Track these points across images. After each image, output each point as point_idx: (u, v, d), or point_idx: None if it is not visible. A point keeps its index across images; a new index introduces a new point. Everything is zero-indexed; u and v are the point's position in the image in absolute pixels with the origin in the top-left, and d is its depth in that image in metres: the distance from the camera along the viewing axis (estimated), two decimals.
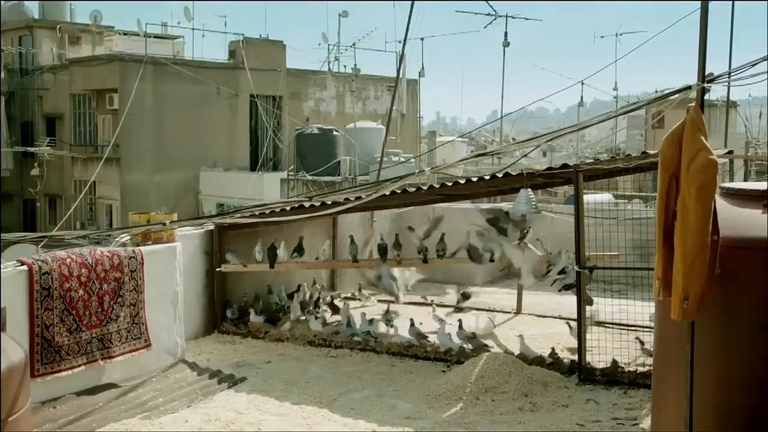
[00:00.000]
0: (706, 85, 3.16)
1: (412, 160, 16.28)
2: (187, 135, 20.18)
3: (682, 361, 2.84)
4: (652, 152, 5.32)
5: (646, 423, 4.37)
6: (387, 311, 6.57)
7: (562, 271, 6.33)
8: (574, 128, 4.96)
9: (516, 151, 4.73)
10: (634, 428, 4.44)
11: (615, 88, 24.69)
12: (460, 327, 6.05)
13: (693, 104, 2.83)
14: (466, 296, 7.24)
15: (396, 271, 6.78)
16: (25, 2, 23.99)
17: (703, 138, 2.75)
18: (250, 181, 18.80)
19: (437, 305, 7.12)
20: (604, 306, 6.20)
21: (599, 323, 6.38)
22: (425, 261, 6.68)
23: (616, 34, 21.31)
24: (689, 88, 3.38)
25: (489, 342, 6.10)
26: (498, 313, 7.28)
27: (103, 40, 22.77)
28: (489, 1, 27.45)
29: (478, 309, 7.38)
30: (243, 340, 6.40)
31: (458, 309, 7.01)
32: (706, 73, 3.17)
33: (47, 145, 21.53)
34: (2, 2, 21.73)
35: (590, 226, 5.91)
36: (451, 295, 7.58)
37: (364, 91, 24.19)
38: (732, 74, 3.37)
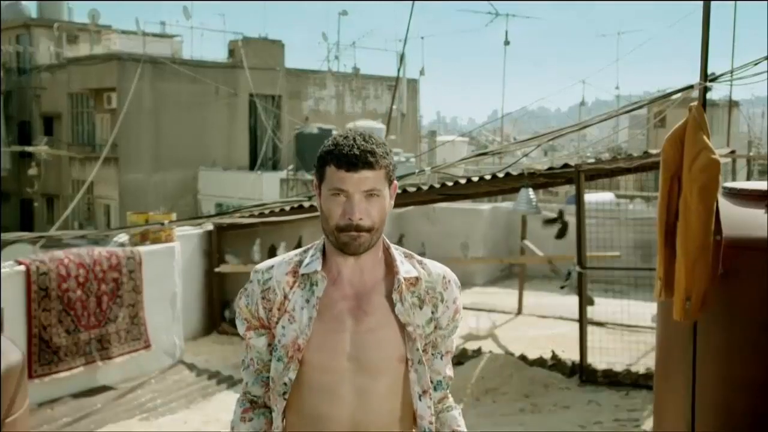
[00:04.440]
0: (708, 84, 3.13)
1: (412, 159, 16.25)
2: (185, 134, 20.14)
3: (684, 361, 2.82)
4: (653, 152, 5.30)
5: (648, 424, 4.35)
6: None
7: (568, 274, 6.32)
8: (576, 128, 4.92)
9: (517, 151, 4.70)
10: (635, 429, 4.42)
11: (617, 88, 24.73)
12: None
13: (695, 103, 2.81)
14: None
15: None
16: (23, 1, 23.94)
17: (705, 137, 2.72)
18: (249, 180, 18.75)
19: None
20: (605, 306, 6.18)
21: (600, 324, 6.36)
22: None
23: (618, 33, 21.32)
24: (691, 87, 3.35)
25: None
26: (499, 313, 7.26)
27: (101, 39, 22.71)
28: (490, 0, 27.40)
29: (479, 309, 7.37)
30: (242, 341, 6.37)
31: None
32: (708, 72, 3.14)
33: (45, 145, 21.48)
34: (0, 1, 21.68)
35: (591, 225, 5.90)
36: None
37: (363, 91, 24.17)
38: (734, 73, 3.34)
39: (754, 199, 3.00)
